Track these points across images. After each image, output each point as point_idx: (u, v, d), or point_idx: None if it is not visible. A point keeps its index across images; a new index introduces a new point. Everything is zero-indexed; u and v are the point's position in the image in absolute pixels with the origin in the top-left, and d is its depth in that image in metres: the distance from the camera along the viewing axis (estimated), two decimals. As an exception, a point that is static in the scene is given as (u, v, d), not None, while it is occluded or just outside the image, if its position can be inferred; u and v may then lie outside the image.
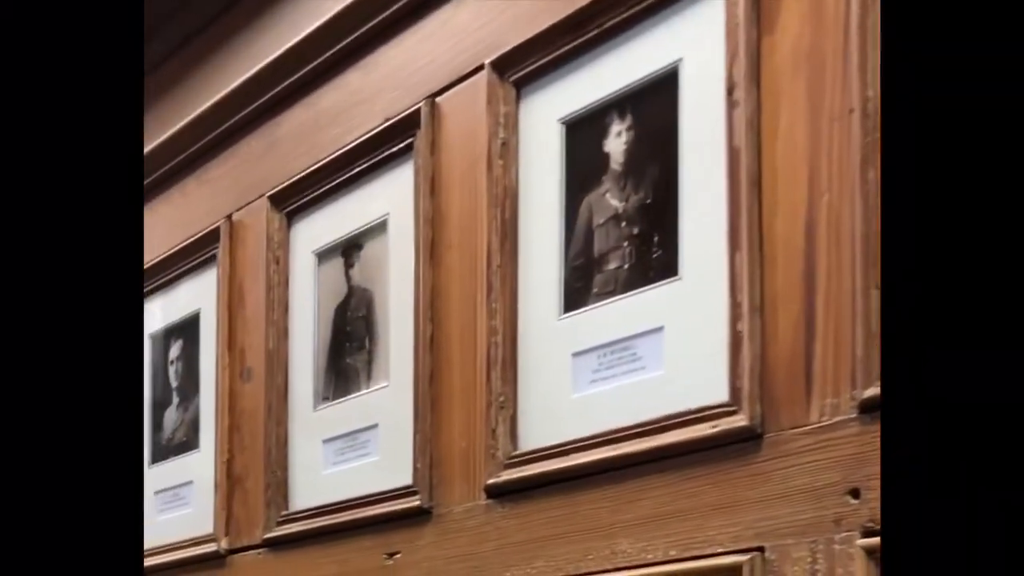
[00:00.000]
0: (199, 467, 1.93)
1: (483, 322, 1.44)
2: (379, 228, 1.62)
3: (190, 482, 1.96)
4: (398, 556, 1.55)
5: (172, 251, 2.00)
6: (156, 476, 2.04)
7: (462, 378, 1.47)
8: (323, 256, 1.72)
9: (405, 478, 1.54)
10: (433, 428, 1.50)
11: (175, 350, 2.02)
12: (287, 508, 1.74)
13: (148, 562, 2.01)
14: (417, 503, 1.51)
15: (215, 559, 1.86)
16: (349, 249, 1.68)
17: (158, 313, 2.06)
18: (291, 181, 1.75)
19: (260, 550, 1.79)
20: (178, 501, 2.00)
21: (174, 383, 2.03)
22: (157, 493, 2.04)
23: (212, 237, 1.91)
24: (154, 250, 2.00)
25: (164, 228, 2.03)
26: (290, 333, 1.76)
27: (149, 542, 2.01)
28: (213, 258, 1.92)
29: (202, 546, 1.89)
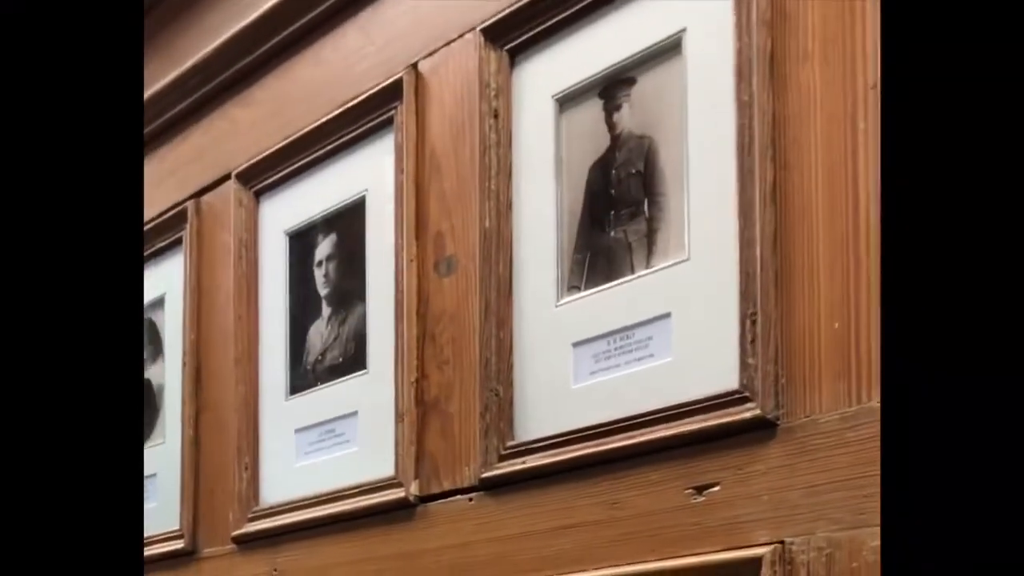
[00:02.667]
0: (368, 392, 1.49)
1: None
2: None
3: (353, 413, 1.52)
4: (704, 496, 1.13)
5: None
6: (297, 410, 1.60)
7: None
8: (568, 100, 1.29)
9: (713, 386, 1.12)
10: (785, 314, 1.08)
11: (326, 247, 1.58)
12: (513, 438, 1.31)
13: (291, 519, 1.58)
14: (757, 413, 1.08)
15: (401, 509, 1.43)
16: (613, 87, 1.24)
17: (298, 203, 1.62)
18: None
19: (471, 495, 1.35)
20: (332, 439, 1.56)
21: (323, 290, 1.58)
22: (300, 431, 1.60)
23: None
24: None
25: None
26: (516, 206, 1.32)
27: (290, 493, 1.59)
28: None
29: (379, 494, 1.45)
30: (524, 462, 1.28)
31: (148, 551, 1.81)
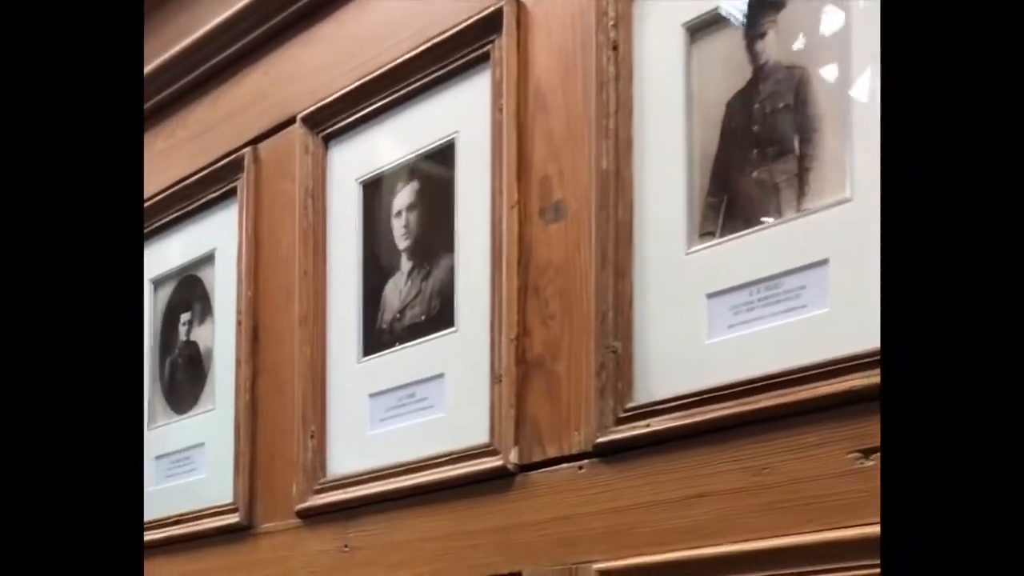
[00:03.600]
0: (457, 352, 1.38)
1: None
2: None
3: (438, 375, 1.40)
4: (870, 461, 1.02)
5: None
6: (371, 373, 1.48)
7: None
8: (700, 29, 1.17)
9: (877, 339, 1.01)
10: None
11: (406, 196, 1.46)
12: (632, 399, 1.19)
13: (364, 491, 1.46)
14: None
15: (497, 479, 1.31)
16: (756, 13, 1.13)
17: (373, 149, 1.49)
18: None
19: (580, 462, 1.24)
20: (413, 404, 1.44)
21: (402, 242, 1.46)
22: (375, 396, 1.48)
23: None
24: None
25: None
26: (638, 146, 1.21)
27: (363, 463, 1.47)
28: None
29: (470, 463, 1.34)
30: (648, 425, 1.17)
31: (197, 526, 1.70)
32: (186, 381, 1.77)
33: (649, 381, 1.18)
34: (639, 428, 1.18)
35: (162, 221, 1.80)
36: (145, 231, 1.83)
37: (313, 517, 1.53)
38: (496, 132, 1.33)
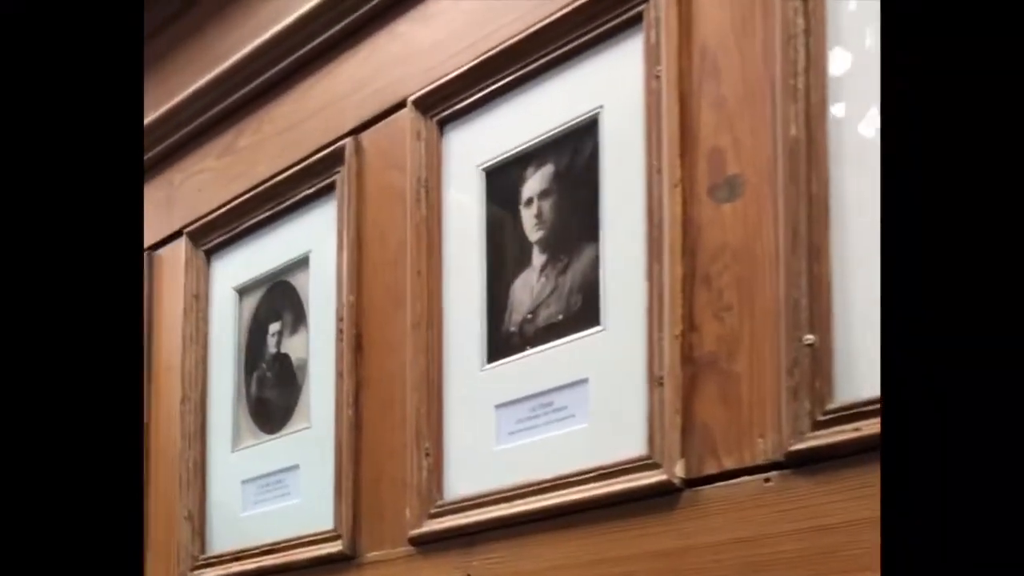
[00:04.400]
0: (604, 353, 1.21)
1: None
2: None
3: (580, 380, 1.24)
4: None
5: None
6: (498, 382, 1.32)
7: None
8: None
9: None
10: None
11: (538, 181, 1.30)
12: (833, 400, 1.03)
13: (489, 514, 1.30)
14: None
15: (659, 496, 1.14)
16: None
17: (497, 132, 1.34)
18: None
19: (767, 475, 1.07)
20: (549, 414, 1.27)
21: (534, 233, 1.31)
22: (502, 407, 1.32)
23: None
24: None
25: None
26: (833, 111, 1.05)
27: (488, 483, 1.31)
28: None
29: (623, 479, 1.17)
30: (858, 429, 1.00)
31: (293, 555, 1.53)
32: (276, 398, 1.61)
33: (855, 379, 1.02)
34: (845, 433, 1.01)
35: (248, 224, 1.65)
36: (229, 235, 1.68)
37: (429, 544, 1.37)
38: (652, 103, 1.17)
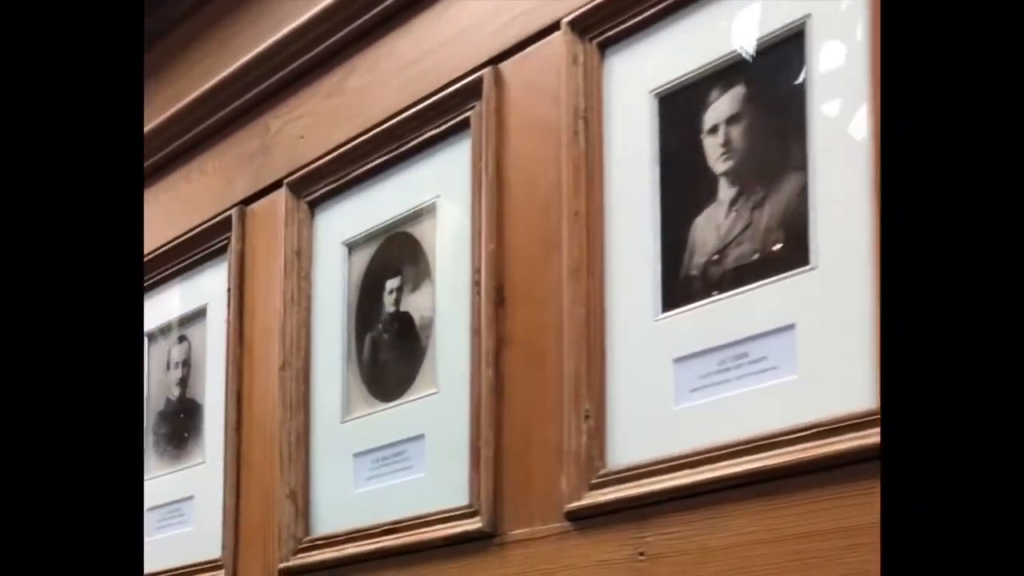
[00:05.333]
0: (813, 298, 1.06)
1: None
2: None
3: (785, 327, 1.08)
4: None
5: None
6: (676, 333, 1.17)
7: None
8: None
9: None
10: None
11: (725, 105, 1.14)
12: None
13: (667, 482, 1.15)
14: None
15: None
16: None
17: (669, 55, 1.19)
18: None
19: None
20: (743, 367, 1.12)
21: (720, 164, 1.15)
22: (680, 360, 1.16)
23: None
24: None
25: None
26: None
27: (663, 448, 1.16)
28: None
29: (843, 436, 1.01)
30: None
31: (419, 534, 1.38)
32: (395, 361, 1.45)
33: None
34: None
35: (359, 171, 1.50)
36: (336, 185, 1.53)
37: (590, 519, 1.21)
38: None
